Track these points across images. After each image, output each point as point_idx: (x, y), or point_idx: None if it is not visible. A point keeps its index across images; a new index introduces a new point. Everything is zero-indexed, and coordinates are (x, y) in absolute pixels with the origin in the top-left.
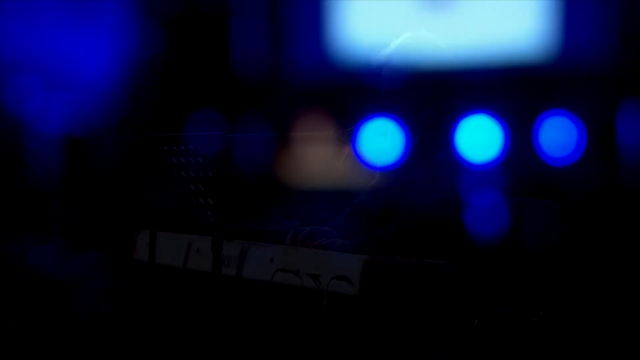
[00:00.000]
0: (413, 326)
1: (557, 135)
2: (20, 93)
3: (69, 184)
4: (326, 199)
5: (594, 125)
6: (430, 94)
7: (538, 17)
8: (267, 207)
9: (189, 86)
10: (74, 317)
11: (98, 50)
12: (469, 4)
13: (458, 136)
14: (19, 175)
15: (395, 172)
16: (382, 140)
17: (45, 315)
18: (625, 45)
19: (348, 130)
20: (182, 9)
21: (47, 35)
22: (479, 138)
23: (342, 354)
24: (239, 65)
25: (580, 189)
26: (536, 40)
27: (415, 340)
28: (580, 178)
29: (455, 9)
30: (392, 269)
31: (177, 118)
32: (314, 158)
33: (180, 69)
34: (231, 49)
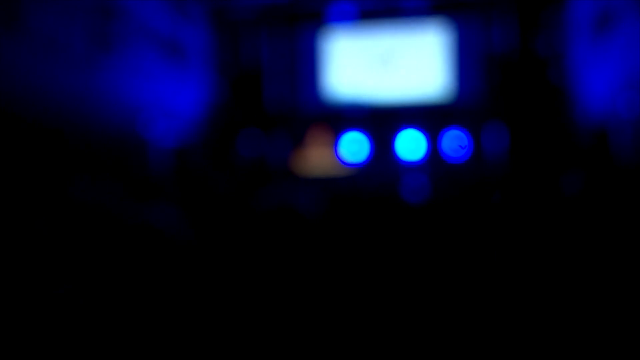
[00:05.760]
0: None
1: (453, 143)
2: (147, 122)
3: (178, 177)
4: (320, 182)
5: (473, 137)
6: (381, 118)
7: (443, 76)
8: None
9: (241, 116)
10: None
11: (191, 96)
12: (404, 67)
13: (397, 143)
14: (146, 172)
15: (363, 167)
16: (354, 146)
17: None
18: (489, 92)
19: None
20: (237, 71)
21: (161, 87)
22: (410, 144)
23: None
24: (269, 104)
25: (467, 177)
26: (441, 89)
27: None
28: (467, 171)
29: (396, 69)
30: None
31: (234, 134)
32: (315, 156)
33: (236, 105)
34: (264, 94)
